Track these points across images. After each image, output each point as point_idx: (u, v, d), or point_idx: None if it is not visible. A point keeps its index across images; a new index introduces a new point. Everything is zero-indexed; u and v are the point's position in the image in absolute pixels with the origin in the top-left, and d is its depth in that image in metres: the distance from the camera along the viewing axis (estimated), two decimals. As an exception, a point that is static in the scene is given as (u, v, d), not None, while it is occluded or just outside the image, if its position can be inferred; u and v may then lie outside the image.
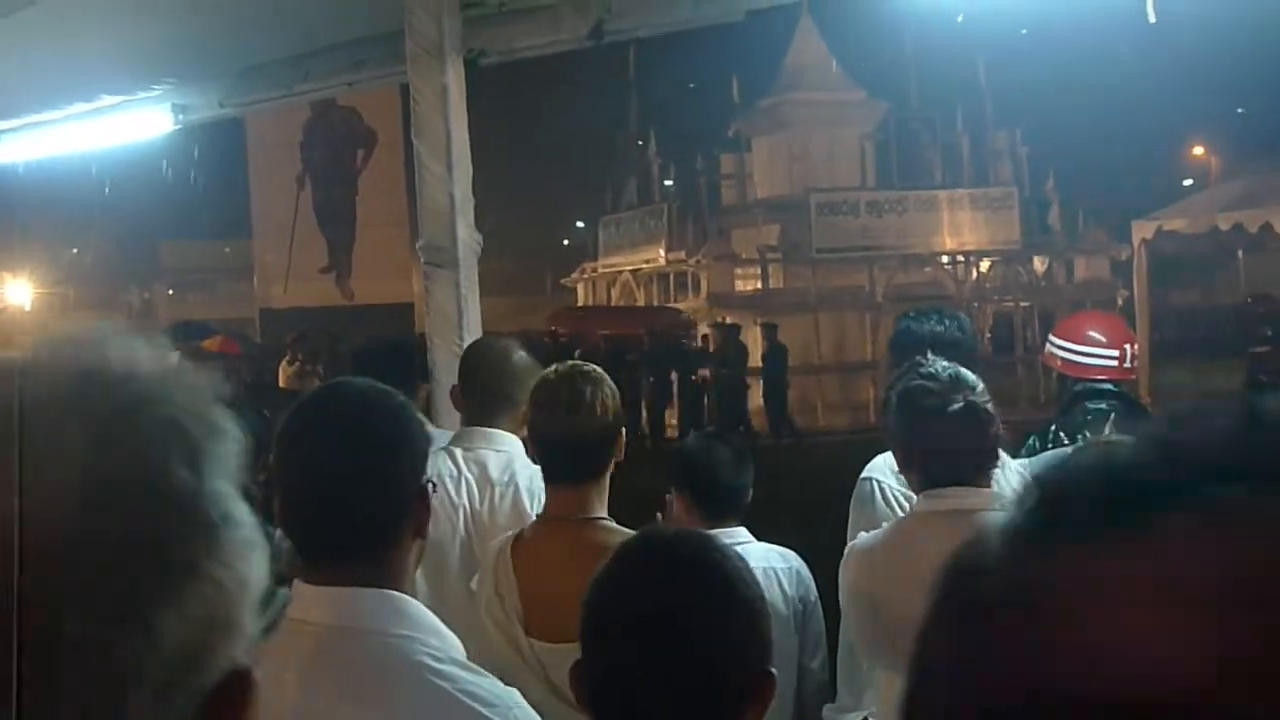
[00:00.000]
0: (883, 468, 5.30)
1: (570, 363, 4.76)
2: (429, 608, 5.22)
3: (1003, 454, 4.80)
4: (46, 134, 9.94)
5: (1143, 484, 0.89)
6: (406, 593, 3.11)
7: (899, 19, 26.74)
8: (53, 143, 10.09)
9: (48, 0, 7.57)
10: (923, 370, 4.40)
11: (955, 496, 4.32)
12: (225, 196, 62.92)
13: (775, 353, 31.00)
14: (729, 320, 33.06)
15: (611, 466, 4.58)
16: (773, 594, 4.95)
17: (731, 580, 2.81)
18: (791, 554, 5.25)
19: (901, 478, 5.00)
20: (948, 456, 4.35)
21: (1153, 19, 5.35)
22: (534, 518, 5.12)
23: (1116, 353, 6.75)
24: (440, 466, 5.42)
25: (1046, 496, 0.92)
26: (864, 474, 5.35)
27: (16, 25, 7.89)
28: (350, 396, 3.18)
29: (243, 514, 1.25)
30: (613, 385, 4.63)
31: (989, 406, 4.36)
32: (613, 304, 37.74)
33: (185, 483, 1.20)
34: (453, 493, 5.40)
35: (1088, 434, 6.48)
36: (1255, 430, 0.97)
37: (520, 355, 5.68)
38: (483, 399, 5.59)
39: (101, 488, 1.16)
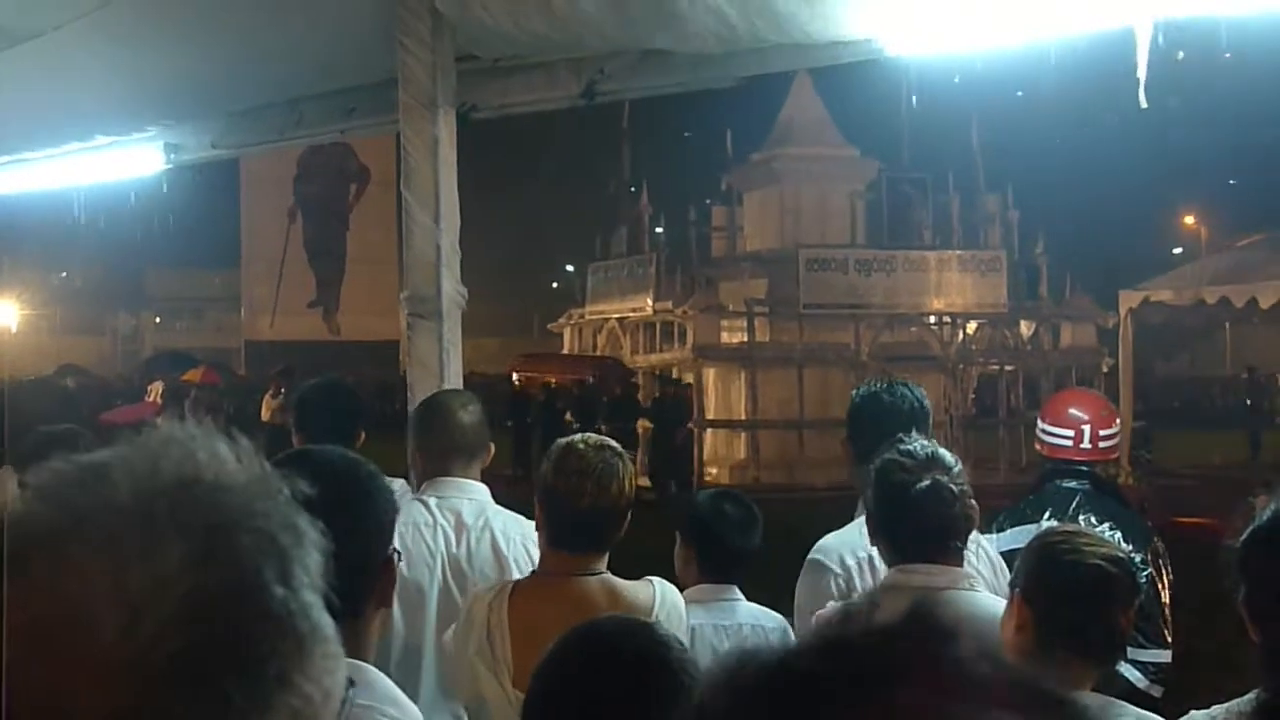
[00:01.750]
0: (833, 548, 5.31)
1: (596, 436, 4.82)
2: (404, 653, 5.29)
3: (976, 534, 4.86)
4: (39, 168, 9.95)
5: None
6: (368, 661, 3.12)
7: (894, 79, 26.82)
8: (45, 177, 10.11)
9: (45, 39, 7.63)
10: (901, 447, 4.48)
11: (924, 573, 4.40)
12: (216, 226, 63.04)
13: (669, 406, 31.44)
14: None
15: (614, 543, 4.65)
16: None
17: (674, 673, 2.84)
18: (777, 615, 5.29)
19: (857, 554, 5.08)
20: (914, 533, 4.42)
21: (1144, 104, 5.37)
22: (511, 561, 5.18)
23: (1071, 433, 6.79)
24: (415, 515, 5.50)
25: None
26: (813, 554, 5.36)
27: (14, 61, 7.94)
28: (319, 465, 3.20)
29: (328, 625, 1.27)
30: (633, 465, 4.72)
31: (962, 488, 4.42)
32: (598, 351, 37.77)
33: (279, 598, 1.22)
34: (429, 540, 5.46)
35: (1053, 512, 6.54)
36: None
37: (473, 408, 5.79)
38: (443, 452, 5.66)
39: (202, 604, 1.19)
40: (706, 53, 6.35)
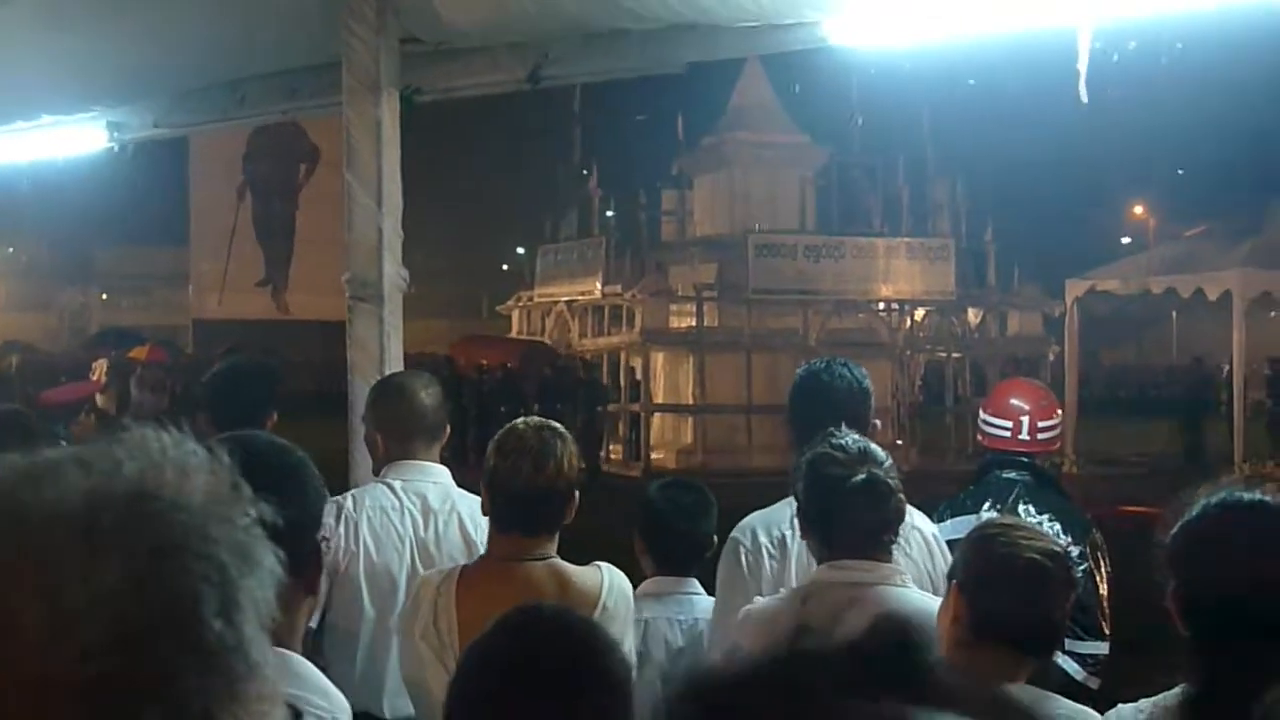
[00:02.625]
0: (748, 525, 5.33)
1: (538, 418, 4.84)
2: (374, 638, 5.28)
3: (918, 524, 4.87)
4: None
5: None
6: (295, 650, 3.10)
7: (845, 66, 26.86)
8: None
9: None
10: (833, 440, 4.47)
11: (855, 569, 4.39)
12: (165, 204, 62.66)
13: (584, 390, 32.28)
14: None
15: (562, 524, 4.64)
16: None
17: (602, 663, 2.85)
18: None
19: (771, 532, 5.09)
20: (846, 527, 4.42)
21: (1085, 99, 5.39)
22: (479, 544, 5.18)
23: (1010, 423, 6.80)
24: (381, 500, 5.54)
25: None
26: (734, 532, 5.38)
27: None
28: (246, 452, 3.16)
29: (268, 664, 1.23)
30: (575, 445, 4.72)
31: (893, 481, 4.42)
32: (547, 334, 37.71)
33: (215, 631, 1.18)
34: (397, 524, 5.48)
35: (992, 503, 6.55)
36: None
37: (433, 390, 5.79)
38: (406, 435, 5.64)
39: (132, 630, 1.14)
40: (652, 30, 6.34)
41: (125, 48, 7.90)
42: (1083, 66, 5.26)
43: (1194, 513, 3.34)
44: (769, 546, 5.16)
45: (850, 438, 4.50)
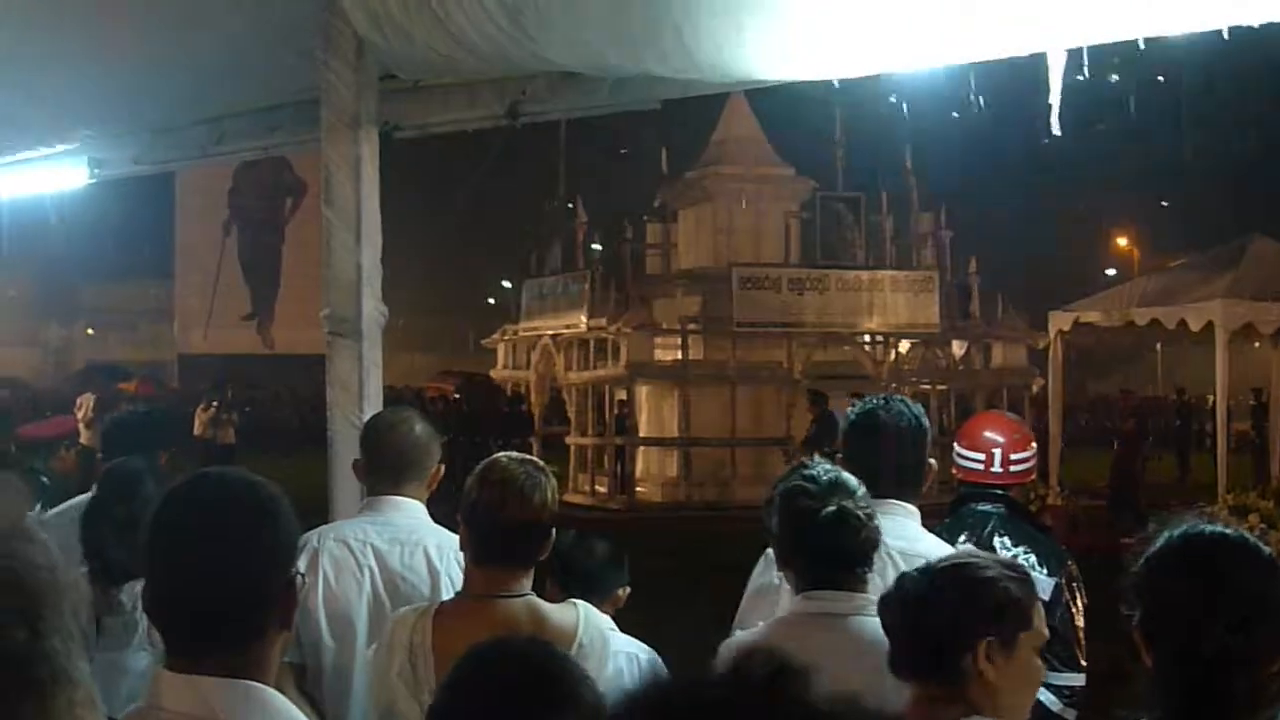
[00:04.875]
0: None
1: (520, 453, 4.87)
2: (335, 667, 5.29)
3: (891, 554, 4.88)
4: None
5: None
6: (269, 684, 3.12)
7: (829, 99, 26.92)
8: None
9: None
10: (805, 472, 4.51)
11: (830, 600, 4.42)
12: (151, 238, 62.69)
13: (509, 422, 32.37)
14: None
15: (539, 560, 4.67)
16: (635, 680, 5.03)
17: (577, 689, 2.88)
18: (645, 646, 5.29)
19: None
20: (820, 559, 4.45)
21: (1057, 131, 5.42)
22: (445, 575, 5.20)
23: (982, 456, 6.82)
24: (345, 532, 5.58)
25: None
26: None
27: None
28: (219, 489, 3.22)
29: (79, 672, 1.24)
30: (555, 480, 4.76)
31: (867, 511, 4.45)
32: (532, 368, 37.65)
33: (18, 642, 1.19)
34: (358, 554, 5.49)
35: (968, 536, 6.57)
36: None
37: (423, 426, 5.80)
38: (395, 468, 5.66)
39: None
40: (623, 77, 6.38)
41: (106, 84, 7.93)
42: (1055, 98, 5.29)
43: (1156, 544, 3.39)
44: None
45: (821, 468, 4.55)
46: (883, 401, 5.63)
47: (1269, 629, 3.29)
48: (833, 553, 4.44)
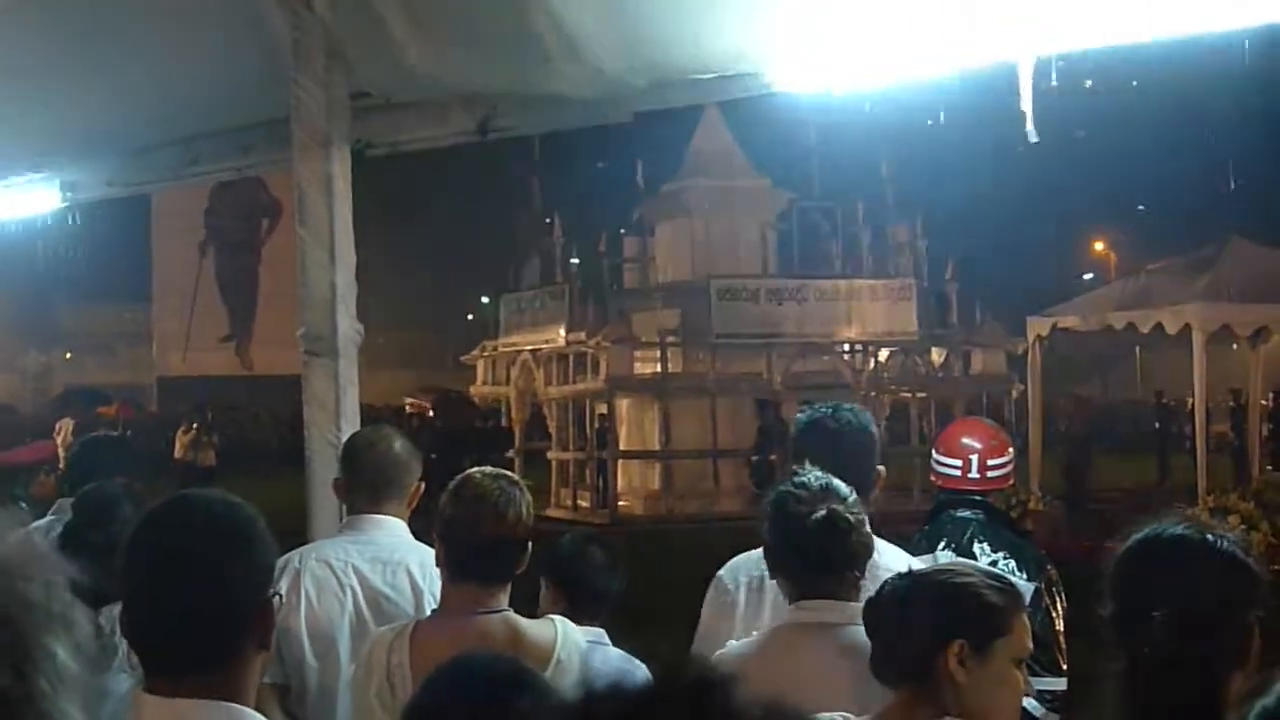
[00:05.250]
0: (732, 566, 5.37)
1: (494, 468, 4.90)
2: (318, 686, 5.29)
3: (886, 560, 4.89)
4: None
5: None
6: (249, 704, 3.13)
7: (804, 110, 27.00)
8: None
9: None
10: (796, 479, 4.52)
11: (823, 609, 4.42)
12: (127, 261, 62.55)
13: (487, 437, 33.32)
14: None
15: (515, 574, 4.67)
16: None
17: (540, 705, 2.88)
18: (640, 662, 5.31)
19: (751, 573, 5.14)
20: (809, 566, 4.45)
21: (1034, 139, 5.43)
22: (428, 592, 5.20)
23: (959, 462, 6.84)
24: (327, 552, 5.57)
25: None
26: (720, 571, 5.42)
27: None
28: (195, 510, 3.22)
29: (67, 714, 1.23)
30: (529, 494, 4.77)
31: (858, 517, 4.45)
32: (512, 383, 37.60)
33: (5, 689, 1.18)
34: (339, 574, 5.47)
35: (947, 543, 6.58)
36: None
37: (402, 443, 5.80)
38: (374, 487, 5.65)
39: None
40: (592, 96, 6.39)
41: (76, 106, 7.90)
42: (1026, 105, 5.30)
43: (1133, 539, 3.41)
44: (746, 586, 5.18)
45: (813, 475, 4.55)
46: (830, 409, 5.60)
47: (1229, 635, 3.30)
48: (822, 558, 4.44)
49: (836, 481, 4.57)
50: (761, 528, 4.64)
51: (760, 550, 5.20)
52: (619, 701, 1.14)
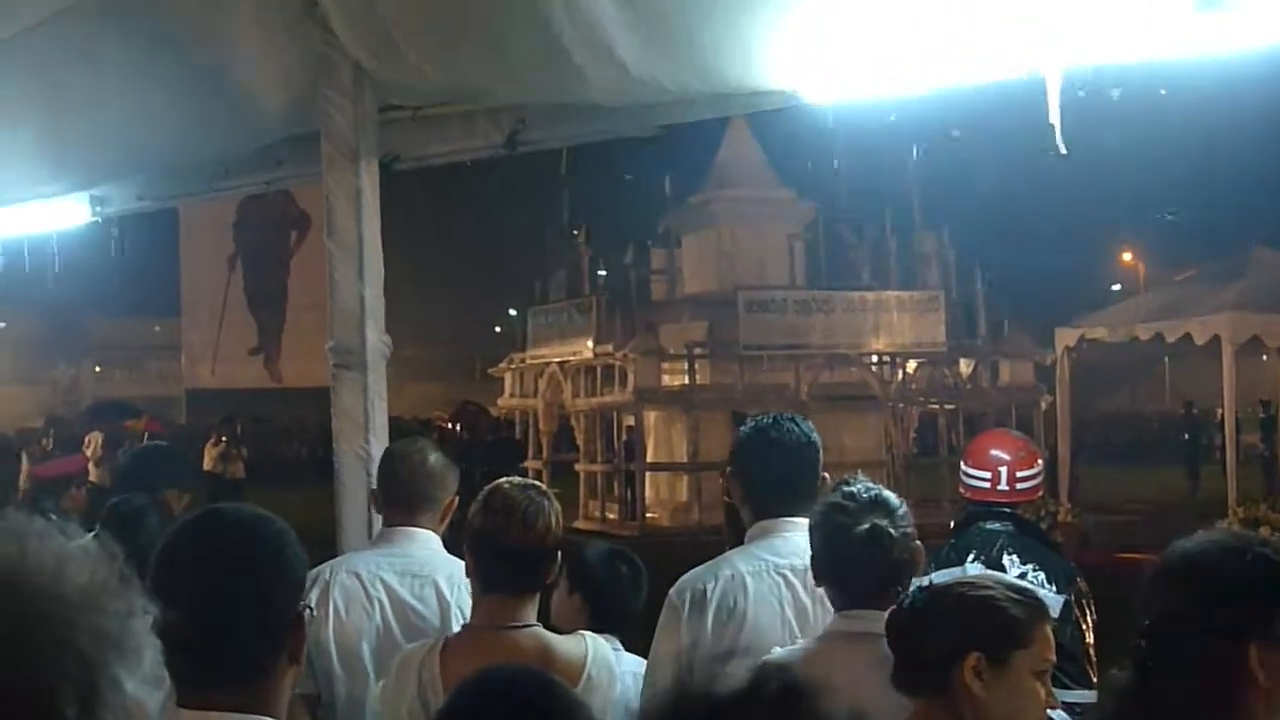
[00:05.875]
0: (681, 580, 5.34)
1: (522, 478, 4.93)
2: (347, 699, 5.30)
3: (783, 571, 4.92)
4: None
5: None
6: (280, 718, 3.14)
7: (830, 121, 26.97)
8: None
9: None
10: (845, 489, 4.52)
11: (866, 619, 4.41)
12: (156, 274, 62.64)
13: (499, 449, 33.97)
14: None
15: (544, 585, 4.68)
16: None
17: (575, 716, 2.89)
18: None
19: (695, 586, 5.14)
20: (854, 577, 4.47)
21: (1063, 150, 5.42)
22: (454, 605, 5.20)
23: (989, 474, 6.83)
24: (357, 564, 5.58)
25: None
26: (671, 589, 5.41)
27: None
28: (227, 524, 3.23)
29: None
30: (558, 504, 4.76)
31: (904, 530, 4.45)
32: (540, 395, 37.61)
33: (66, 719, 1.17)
34: (368, 586, 5.48)
35: (976, 554, 6.57)
36: None
37: (437, 456, 5.80)
38: (407, 499, 5.66)
39: None
40: (618, 105, 6.39)
41: (113, 130, 7.94)
42: (1054, 118, 5.30)
43: (1169, 555, 3.36)
44: (690, 600, 5.15)
45: (861, 485, 4.55)
46: (771, 420, 5.58)
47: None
48: (865, 571, 4.45)
49: (886, 493, 4.59)
50: (811, 535, 4.65)
51: (708, 564, 5.23)
52: (709, 703, 1.16)
